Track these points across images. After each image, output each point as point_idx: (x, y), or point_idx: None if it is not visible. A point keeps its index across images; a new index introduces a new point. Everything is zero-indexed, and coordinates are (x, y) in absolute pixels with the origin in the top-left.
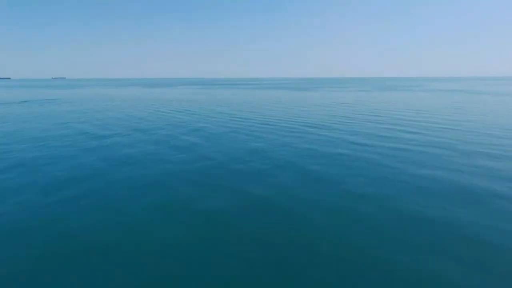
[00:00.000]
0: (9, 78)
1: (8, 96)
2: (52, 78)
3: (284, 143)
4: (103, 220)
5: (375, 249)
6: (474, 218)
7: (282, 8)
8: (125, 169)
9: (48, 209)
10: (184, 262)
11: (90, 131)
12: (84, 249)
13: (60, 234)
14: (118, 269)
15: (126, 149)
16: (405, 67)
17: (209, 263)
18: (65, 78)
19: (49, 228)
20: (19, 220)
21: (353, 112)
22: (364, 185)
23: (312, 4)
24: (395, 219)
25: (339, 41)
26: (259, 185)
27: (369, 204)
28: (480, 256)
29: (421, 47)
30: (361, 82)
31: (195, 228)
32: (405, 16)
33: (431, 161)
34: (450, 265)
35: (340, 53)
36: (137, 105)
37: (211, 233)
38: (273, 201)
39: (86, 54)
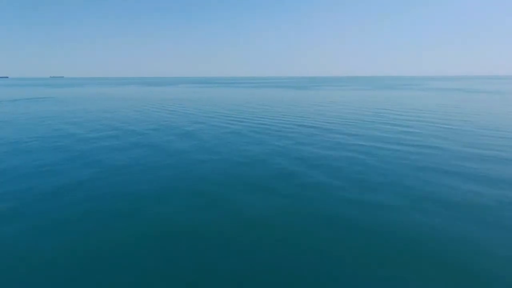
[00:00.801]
0: (7, 77)
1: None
2: (50, 77)
3: (284, 144)
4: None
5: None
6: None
7: (282, 7)
8: (106, 179)
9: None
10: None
11: (74, 132)
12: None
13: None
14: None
15: (114, 155)
16: (406, 66)
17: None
18: (63, 77)
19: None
20: None
21: (354, 111)
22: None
23: (313, 3)
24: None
25: (340, 40)
26: (261, 188)
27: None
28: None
29: (422, 46)
30: (361, 81)
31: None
32: (406, 15)
33: (435, 164)
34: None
35: (340, 52)
36: (133, 104)
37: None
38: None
39: (85, 53)
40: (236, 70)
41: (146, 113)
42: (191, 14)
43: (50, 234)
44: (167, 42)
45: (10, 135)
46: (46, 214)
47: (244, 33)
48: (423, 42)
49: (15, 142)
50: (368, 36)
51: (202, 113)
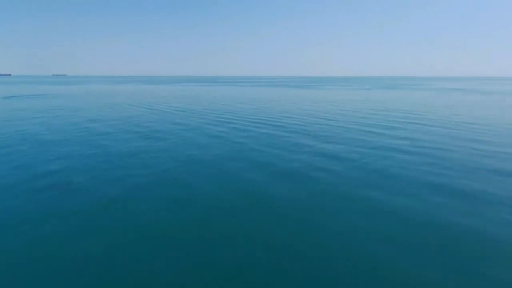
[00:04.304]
0: (10, 75)
1: None
2: (53, 75)
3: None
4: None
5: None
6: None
7: (285, 7)
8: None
9: None
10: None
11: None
12: None
13: None
14: None
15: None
16: (413, 67)
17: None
18: (66, 75)
19: None
20: None
21: (357, 110)
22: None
23: (316, 3)
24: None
25: (343, 41)
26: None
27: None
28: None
29: (427, 47)
30: (363, 81)
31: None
32: (411, 15)
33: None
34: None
35: (343, 53)
36: (123, 103)
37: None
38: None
39: (88, 52)
40: (237, 70)
41: (135, 112)
42: (193, 12)
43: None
44: (171, 41)
45: None
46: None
47: (246, 32)
48: (430, 42)
49: None
50: (373, 37)
51: (198, 114)
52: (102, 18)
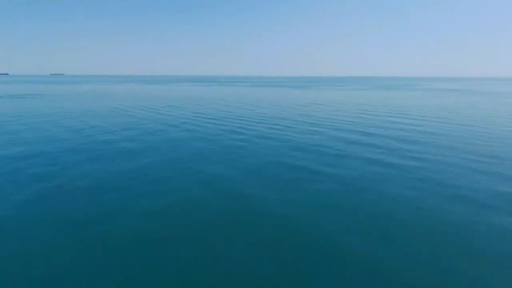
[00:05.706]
0: (7, 74)
1: None
2: (51, 74)
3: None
4: None
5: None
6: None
7: (285, 7)
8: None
9: None
10: None
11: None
12: None
13: None
14: None
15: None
16: (413, 67)
17: None
18: (63, 74)
19: None
20: None
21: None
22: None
23: (316, 3)
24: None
25: (343, 41)
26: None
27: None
28: None
29: (427, 47)
30: (363, 81)
31: None
32: (411, 15)
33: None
34: None
35: (343, 53)
36: (112, 103)
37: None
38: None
39: (86, 51)
40: (239, 69)
41: (121, 113)
42: (194, 12)
43: None
44: (172, 40)
45: None
46: None
47: (247, 33)
48: (425, 43)
49: None
50: (374, 37)
51: (191, 115)
52: (102, 18)
